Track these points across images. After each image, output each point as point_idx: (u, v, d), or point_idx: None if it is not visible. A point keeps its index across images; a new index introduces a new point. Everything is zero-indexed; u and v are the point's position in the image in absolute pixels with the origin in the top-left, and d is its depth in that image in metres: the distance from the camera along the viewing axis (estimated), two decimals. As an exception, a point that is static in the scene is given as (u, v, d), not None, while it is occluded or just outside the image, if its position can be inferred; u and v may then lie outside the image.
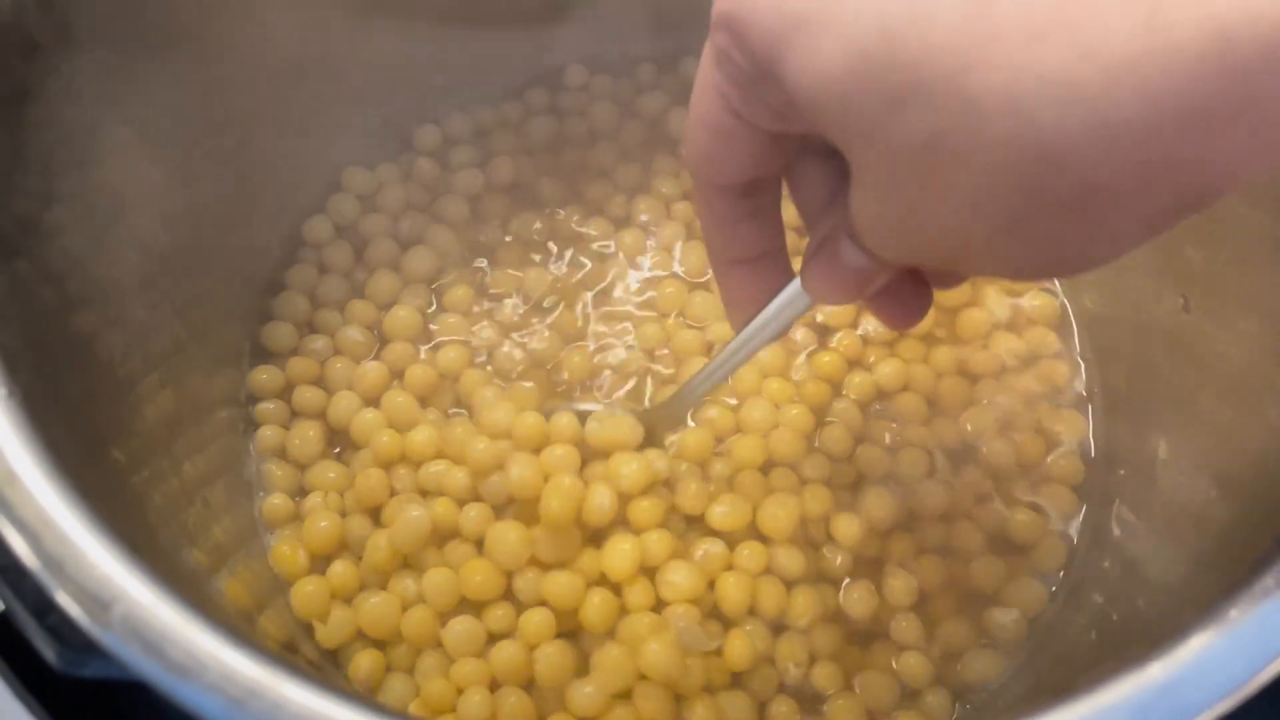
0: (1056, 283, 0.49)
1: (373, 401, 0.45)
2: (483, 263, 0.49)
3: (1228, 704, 0.20)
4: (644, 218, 0.50)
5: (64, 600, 0.22)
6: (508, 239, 0.50)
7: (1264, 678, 0.21)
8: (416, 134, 0.52)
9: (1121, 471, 0.43)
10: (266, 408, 0.45)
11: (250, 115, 0.44)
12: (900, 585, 0.40)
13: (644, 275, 0.49)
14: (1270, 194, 0.34)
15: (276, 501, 0.43)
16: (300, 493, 0.44)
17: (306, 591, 0.40)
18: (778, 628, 0.39)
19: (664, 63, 0.54)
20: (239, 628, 0.22)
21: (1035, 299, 0.48)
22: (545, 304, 0.48)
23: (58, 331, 0.31)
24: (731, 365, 0.36)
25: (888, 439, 0.44)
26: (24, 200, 0.31)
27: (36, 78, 0.33)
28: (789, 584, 0.40)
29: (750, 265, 0.31)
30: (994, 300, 0.47)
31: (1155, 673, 0.21)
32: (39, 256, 0.31)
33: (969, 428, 0.44)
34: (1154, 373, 0.42)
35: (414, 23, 0.49)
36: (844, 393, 0.45)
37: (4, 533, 0.23)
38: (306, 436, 0.44)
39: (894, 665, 0.40)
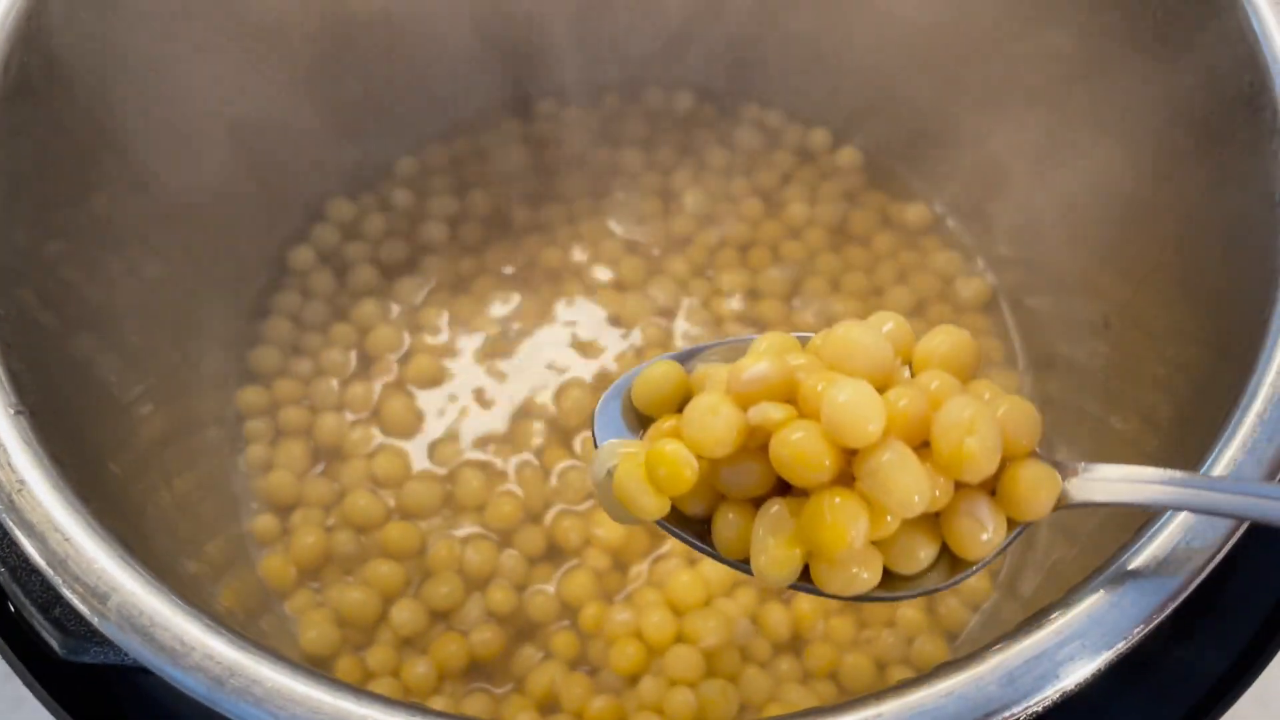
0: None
1: (358, 419, 0.48)
2: (461, 286, 0.52)
3: (1080, 675, 0.23)
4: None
5: (68, 594, 0.25)
6: (484, 263, 0.53)
7: (1109, 656, 0.24)
8: (396, 164, 0.55)
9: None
10: (254, 426, 0.48)
11: (237, 151, 0.47)
12: None
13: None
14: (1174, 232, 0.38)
15: (263, 517, 0.45)
16: (286, 509, 0.46)
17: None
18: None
19: (627, 93, 0.57)
20: (225, 620, 0.25)
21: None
22: (516, 327, 0.51)
23: (59, 355, 0.34)
24: None
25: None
26: (24, 232, 0.34)
27: (27, 116, 0.36)
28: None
29: None
30: None
31: (1025, 645, 0.24)
32: (40, 285, 0.34)
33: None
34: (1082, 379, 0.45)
35: (392, 60, 0.52)
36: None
37: (15, 535, 0.25)
38: (292, 454, 0.47)
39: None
